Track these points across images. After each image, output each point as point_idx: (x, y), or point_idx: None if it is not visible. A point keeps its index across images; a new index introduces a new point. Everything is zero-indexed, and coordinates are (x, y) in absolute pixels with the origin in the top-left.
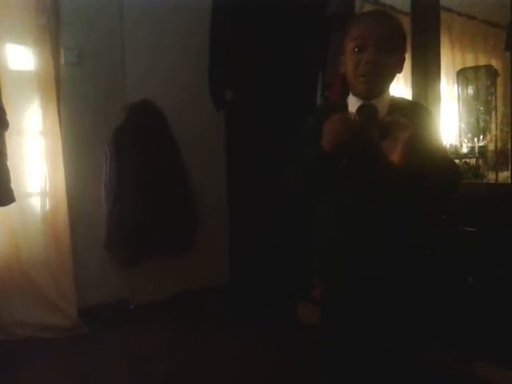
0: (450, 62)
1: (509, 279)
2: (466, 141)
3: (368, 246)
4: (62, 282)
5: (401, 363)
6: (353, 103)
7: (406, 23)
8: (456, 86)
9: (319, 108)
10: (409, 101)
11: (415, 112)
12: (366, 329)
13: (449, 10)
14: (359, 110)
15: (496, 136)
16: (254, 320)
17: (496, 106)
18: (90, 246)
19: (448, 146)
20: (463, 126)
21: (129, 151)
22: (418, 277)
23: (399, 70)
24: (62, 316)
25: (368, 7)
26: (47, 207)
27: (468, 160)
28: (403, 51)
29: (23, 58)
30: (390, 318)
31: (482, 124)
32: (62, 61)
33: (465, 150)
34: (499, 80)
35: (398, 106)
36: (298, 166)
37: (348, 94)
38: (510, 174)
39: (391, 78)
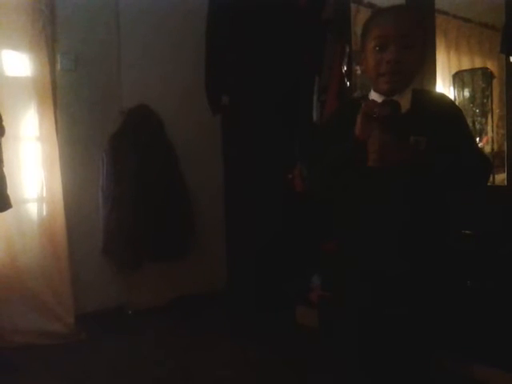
0: (445, 64)
1: (506, 282)
2: None
3: (388, 242)
4: (59, 288)
5: (412, 367)
6: (376, 98)
7: None
8: (452, 88)
9: (346, 103)
10: (434, 93)
11: (439, 108)
12: (376, 331)
13: (444, 12)
14: (382, 104)
15: (492, 138)
16: (253, 324)
17: (492, 108)
18: (87, 252)
19: None
20: None
21: (126, 156)
22: (439, 274)
23: (421, 65)
24: (59, 323)
25: (364, 11)
26: (44, 213)
27: None
28: (424, 46)
29: (20, 64)
30: (403, 320)
31: (478, 126)
32: (59, 67)
33: None
34: (495, 82)
35: (421, 99)
36: (329, 159)
37: (343, 96)
38: (506, 177)
39: (413, 74)
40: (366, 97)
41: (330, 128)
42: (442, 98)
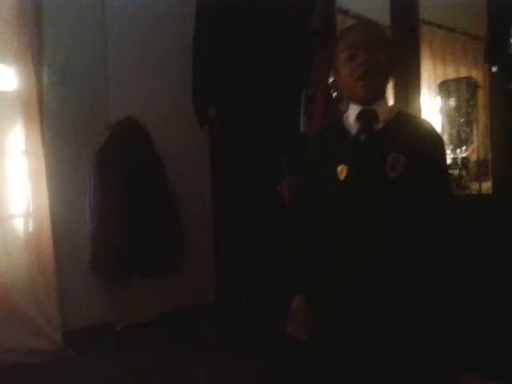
0: (431, 74)
1: (493, 290)
2: (448, 152)
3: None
4: (46, 305)
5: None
6: (352, 111)
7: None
8: (438, 97)
9: (321, 129)
10: (418, 118)
11: (420, 131)
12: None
13: (429, 23)
14: (359, 115)
15: (478, 147)
16: (243, 337)
17: (477, 117)
18: (74, 268)
19: None
20: (446, 137)
21: (113, 170)
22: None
23: (392, 71)
24: (46, 340)
25: (350, 22)
26: (30, 229)
27: (451, 171)
28: (393, 56)
29: (6, 77)
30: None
31: (463, 135)
32: (45, 80)
33: (448, 161)
34: (480, 91)
35: (405, 120)
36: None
37: (331, 107)
38: (491, 185)
39: (386, 79)
40: (342, 120)
41: (311, 159)
42: (426, 124)
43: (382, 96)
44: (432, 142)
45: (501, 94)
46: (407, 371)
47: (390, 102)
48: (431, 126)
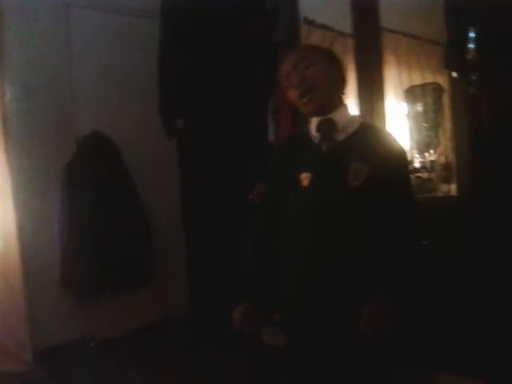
0: (397, 80)
1: (462, 289)
2: (417, 155)
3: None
4: (15, 325)
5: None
6: (313, 122)
7: None
8: (405, 103)
9: (286, 140)
10: (381, 129)
11: (382, 143)
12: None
13: (394, 31)
14: (318, 125)
15: (446, 150)
16: (218, 348)
17: (443, 120)
18: (44, 286)
19: None
20: (414, 141)
21: (81, 185)
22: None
23: (332, 75)
24: (16, 361)
25: (316, 32)
26: None
27: (421, 174)
28: (332, 61)
29: None
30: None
31: (431, 139)
32: (8, 96)
33: (417, 164)
34: (445, 96)
35: (368, 131)
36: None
37: (299, 115)
38: (456, 187)
39: (330, 86)
40: (305, 132)
41: (276, 167)
42: (390, 137)
43: (337, 104)
44: (395, 154)
45: (462, 98)
46: (370, 371)
47: (352, 110)
48: (394, 139)
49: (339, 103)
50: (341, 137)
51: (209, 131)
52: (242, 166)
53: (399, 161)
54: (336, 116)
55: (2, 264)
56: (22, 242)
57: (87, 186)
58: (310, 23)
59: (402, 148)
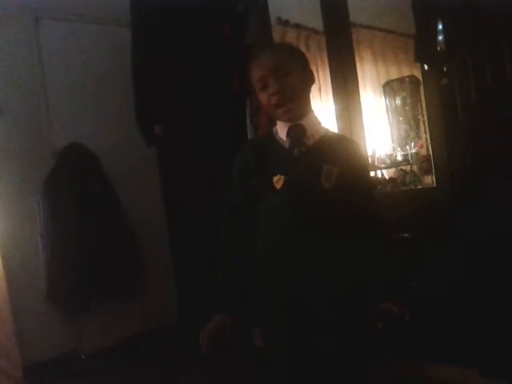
0: (374, 75)
1: (446, 280)
2: (399, 149)
3: (303, 266)
4: (2, 342)
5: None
6: (281, 128)
7: None
8: (383, 98)
9: (249, 144)
10: (341, 135)
11: (346, 145)
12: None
13: (368, 26)
14: (289, 131)
15: (426, 142)
16: (210, 354)
17: (422, 113)
18: (30, 300)
19: (383, 156)
20: (395, 135)
21: (62, 197)
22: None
23: (309, 83)
24: (6, 379)
25: (290, 32)
26: None
27: (403, 167)
28: (304, 66)
29: None
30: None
31: (411, 132)
32: None
33: (399, 157)
34: (421, 88)
35: (331, 137)
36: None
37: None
38: (434, 178)
39: (305, 94)
40: (272, 135)
41: (246, 172)
42: (351, 141)
43: (307, 111)
44: (357, 155)
45: (435, 90)
46: (360, 367)
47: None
48: (356, 143)
49: (308, 109)
50: (310, 142)
51: (187, 136)
52: (223, 169)
53: (361, 162)
54: (306, 122)
55: None
56: (6, 258)
57: (68, 198)
58: (284, 23)
59: (361, 150)
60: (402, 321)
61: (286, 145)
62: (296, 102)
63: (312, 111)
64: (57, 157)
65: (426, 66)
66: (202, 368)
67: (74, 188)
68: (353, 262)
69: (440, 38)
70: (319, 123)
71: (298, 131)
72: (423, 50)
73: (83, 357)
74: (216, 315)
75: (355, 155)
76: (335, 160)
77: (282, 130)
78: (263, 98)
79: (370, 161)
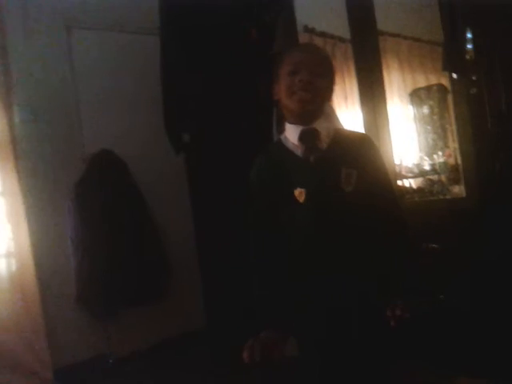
0: (401, 84)
1: (474, 291)
2: (426, 158)
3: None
4: (34, 343)
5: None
6: (292, 132)
7: None
8: (410, 106)
9: (262, 157)
10: (355, 132)
11: (361, 144)
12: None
13: (395, 35)
14: (301, 135)
15: (454, 151)
16: (237, 361)
17: (450, 122)
18: (61, 304)
19: (410, 165)
20: (422, 144)
21: (92, 202)
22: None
23: (329, 96)
24: (37, 379)
25: (317, 40)
26: (13, 268)
27: (430, 176)
28: (332, 80)
29: None
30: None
31: (438, 141)
32: (17, 119)
33: (426, 167)
34: (450, 97)
35: (344, 137)
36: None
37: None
38: (464, 188)
39: (322, 100)
40: (280, 141)
41: (263, 182)
42: (364, 136)
43: (318, 115)
44: (373, 152)
45: (464, 99)
46: (381, 372)
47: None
48: (369, 138)
49: (320, 113)
50: (323, 146)
51: (214, 144)
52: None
53: (376, 156)
54: (318, 126)
55: (19, 284)
56: (38, 262)
57: (98, 204)
58: (311, 31)
59: (374, 144)
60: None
61: (299, 151)
62: (314, 101)
63: (324, 114)
64: (87, 163)
65: (454, 75)
66: (228, 373)
67: (103, 193)
68: (378, 263)
69: (469, 46)
70: (328, 125)
71: (311, 135)
72: (452, 58)
73: (111, 361)
74: (267, 330)
75: (372, 154)
76: (352, 161)
77: (292, 135)
78: (286, 80)
79: (396, 170)
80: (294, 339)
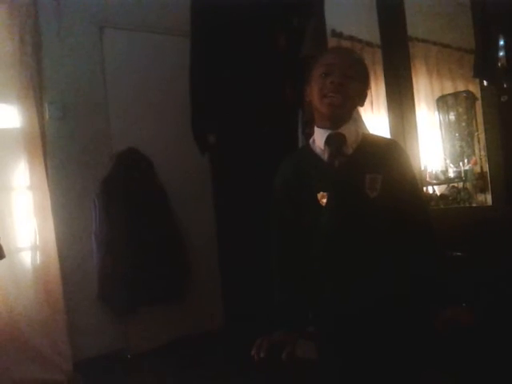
0: (428, 90)
1: (499, 300)
2: (451, 165)
3: (355, 278)
4: (56, 336)
5: None
6: (320, 135)
7: None
8: (437, 112)
9: (288, 160)
10: (383, 138)
11: (388, 150)
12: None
13: (423, 40)
14: (328, 140)
15: (481, 159)
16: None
17: (477, 129)
18: (83, 298)
19: (435, 172)
20: (448, 150)
21: (117, 200)
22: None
23: (361, 101)
24: (57, 371)
25: (345, 44)
26: (38, 261)
27: (455, 184)
28: (365, 84)
29: (8, 115)
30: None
31: (464, 148)
32: (47, 116)
33: (451, 174)
34: (478, 104)
35: (371, 141)
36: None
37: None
38: (491, 196)
39: (353, 104)
40: (308, 145)
41: (287, 186)
42: (393, 142)
43: (346, 119)
44: (401, 158)
45: (494, 106)
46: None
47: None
48: (397, 143)
49: (348, 118)
50: (349, 151)
51: (240, 146)
52: (273, 179)
53: (406, 164)
54: (345, 131)
55: (43, 278)
56: (62, 257)
57: (123, 201)
58: (339, 35)
59: (404, 151)
60: (467, 328)
61: (325, 155)
62: (344, 104)
63: (352, 119)
64: (113, 160)
65: (485, 82)
66: (246, 372)
67: (128, 191)
68: (406, 269)
69: (501, 53)
70: (356, 130)
71: (338, 139)
72: (483, 65)
73: (129, 356)
74: (281, 330)
75: (400, 159)
76: (378, 166)
77: (319, 139)
78: (318, 82)
79: (421, 176)
80: (311, 343)
